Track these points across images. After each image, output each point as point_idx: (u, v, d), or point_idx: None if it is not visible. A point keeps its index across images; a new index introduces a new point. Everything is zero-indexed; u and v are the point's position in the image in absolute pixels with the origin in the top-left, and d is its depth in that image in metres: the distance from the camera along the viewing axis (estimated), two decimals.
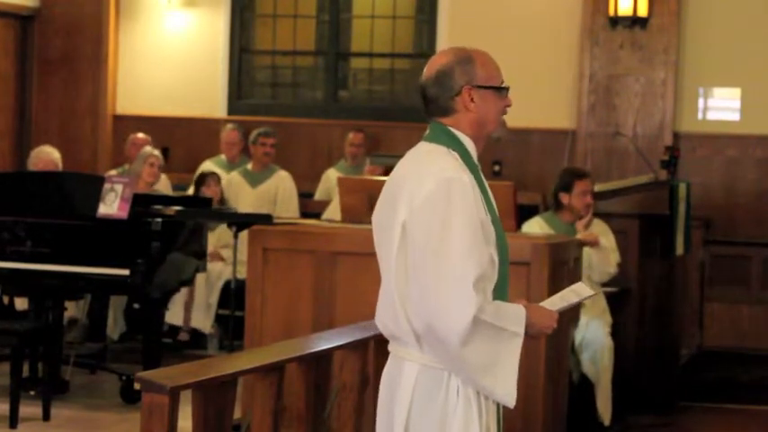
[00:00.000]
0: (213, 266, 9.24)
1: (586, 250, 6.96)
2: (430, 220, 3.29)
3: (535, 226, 7.28)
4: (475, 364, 3.29)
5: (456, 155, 3.39)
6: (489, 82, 3.45)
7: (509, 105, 3.49)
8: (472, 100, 3.43)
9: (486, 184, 3.45)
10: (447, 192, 3.30)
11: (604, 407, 7.12)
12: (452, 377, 3.35)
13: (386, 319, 3.43)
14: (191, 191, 9.87)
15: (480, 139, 3.46)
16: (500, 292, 3.38)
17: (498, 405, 3.43)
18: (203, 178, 9.62)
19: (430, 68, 3.47)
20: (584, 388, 7.06)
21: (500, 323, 3.30)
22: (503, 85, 3.48)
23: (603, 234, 7.27)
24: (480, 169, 3.47)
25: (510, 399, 3.35)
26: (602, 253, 7.13)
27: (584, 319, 7.06)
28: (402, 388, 3.40)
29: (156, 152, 9.36)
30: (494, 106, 3.45)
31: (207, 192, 9.41)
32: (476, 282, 3.24)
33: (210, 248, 9.01)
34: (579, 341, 7.09)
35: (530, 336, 3.42)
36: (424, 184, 3.32)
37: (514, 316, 3.34)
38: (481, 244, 3.29)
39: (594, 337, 7.10)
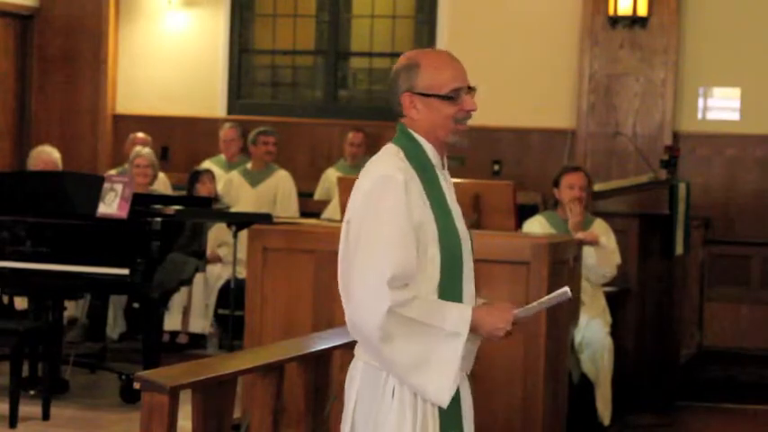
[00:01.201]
0: (212, 269, 9.23)
1: (586, 250, 6.96)
2: (360, 217, 3.35)
3: (536, 224, 7.29)
4: (402, 362, 3.30)
5: (402, 153, 3.41)
6: (431, 89, 3.42)
7: (468, 110, 3.44)
8: (415, 106, 3.44)
9: (443, 183, 3.45)
10: (377, 190, 3.33)
11: (604, 406, 7.12)
12: (390, 377, 3.36)
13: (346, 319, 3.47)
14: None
15: (435, 142, 3.45)
16: (451, 292, 3.38)
17: (451, 410, 3.38)
18: (197, 175, 9.59)
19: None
20: (583, 388, 7.05)
21: (432, 321, 3.30)
22: (450, 93, 3.42)
23: (605, 234, 7.27)
24: (440, 168, 3.47)
25: (442, 399, 3.33)
26: (602, 252, 7.12)
27: (583, 318, 7.06)
28: (351, 386, 3.45)
29: (146, 151, 9.34)
30: (439, 113, 3.42)
31: (202, 189, 9.39)
32: (392, 279, 3.25)
33: (209, 250, 9.03)
34: (579, 341, 7.08)
35: (484, 337, 3.40)
36: (362, 184, 3.38)
37: (455, 316, 3.32)
38: (407, 243, 3.29)
39: (594, 336, 7.10)
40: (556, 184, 7.30)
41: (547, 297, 3.46)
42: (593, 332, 7.11)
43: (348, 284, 3.35)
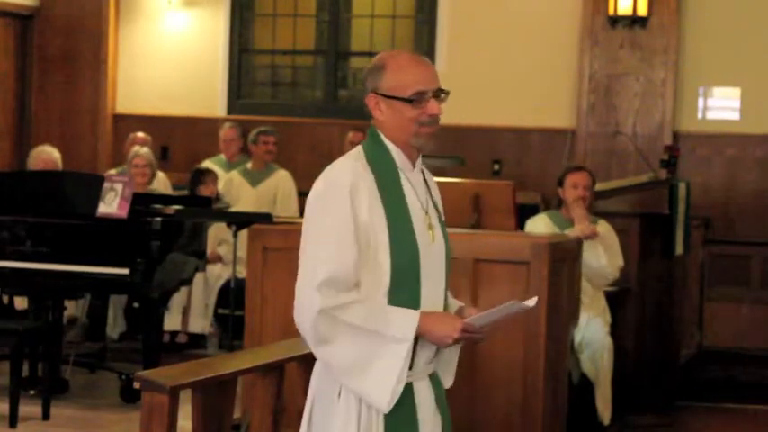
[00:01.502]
0: (211, 269, 9.23)
1: (589, 252, 6.96)
2: (306, 220, 3.39)
3: (539, 222, 7.29)
4: (340, 365, 3.32)
5: (363, 156, 3.42)
6: (394, 92, 3.40)
7: (431, 115, 3.40)
8: (379, 108, 3.44)
9: (405, 187, 3.42)
10: (322, 194, 3.36)
11: (604, 406, 7.11)
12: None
13: None
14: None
15: (401, 144, 3.44)
16: (405, 297, 3.36)
17: (401, 414, 3.37)
18: (200, 177, 9.59)
19: None
20: (583, 388, 7.05)
21: (374, 326, 3.30)
22: (413, 96, 3.39)
23: (608, 236, 7.26)
24: (408, 170, 3.44)
25: (381, 403, 3.32)
26: (597, 250, 7.10)
27: (583, 317, 7.05)
28: (310, 386, 3.49)
29: (144, 150, 9.35)
30: (402, 116, 3.41)
31: (204, 190, 9.40)
32: (325, 282, 3.27)
33: (209, 250, 9.03)
34: (579, 340, 7.08)
35: (433, 343, 3.39)
36: (314, 186, 3.41)
37: (399, 321, 3.31)
38: (344, 247, 3.30)
39: (594, 336, 7.10)
40: (560, 183, 7.30)
41: (501, 306, 3.39)
42: (593, 332, 7.11)
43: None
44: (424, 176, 3.53)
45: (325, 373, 3.41)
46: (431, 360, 3.46)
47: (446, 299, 3.52)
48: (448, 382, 3.59)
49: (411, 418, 3.40)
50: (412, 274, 3.37)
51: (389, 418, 3.35)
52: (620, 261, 7.25)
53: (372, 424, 3.35)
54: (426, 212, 3.45)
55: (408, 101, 3.39)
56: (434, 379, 3.51)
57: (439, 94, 3.43)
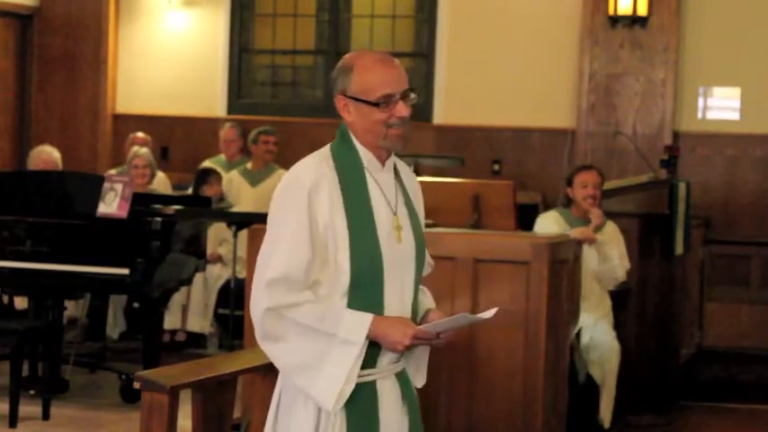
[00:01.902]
0: (211, 268, 9.23)
1: (590, 254, 6.97)
2: (268, 219, 3.40)
3: (550, 219, 7.28)
4: (287, 363, 3.34)
5: (330, 155, 3.41)
6: (361, 94, 3.38)
7: (399, 117, 3.38)
8: (347, 110, 3.42)
9: (372, 189, 3.40)
10: (281, 193, 3.37)
11: (606, 409, 7.11)
12: None
13: None
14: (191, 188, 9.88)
15: (369, 145, 3.42)
16: (366, 299, 3.35)
17: (362, 416, 3.37)
18: (205, 177, 9.60)
19: None
20: (586, 388, 7.05)
21: (325, 327, 3.30)
22: (380, 99, 3.37)
23: (615, 238, 7.26)
24: (377, 170, 3.43)
25: (327, 403, 3.31)
26: (601, 250, 7.11)
27: (590, 318, 7.05)
28: (276, 385, 3.51)
29: (143, 151, 9.35)
30: (369, 118, 3.39)
31: (209, 191, 9.40)
32: (274, 281, 3.29)
33: (209, 250, 9.03)
34: (587, 342, 7.07)
35: (385, 347, 3.38)
36: (278, 186, 3.42)
37: (351, 323, 3.31)
38: (297, 247, 3.30)
39: (602, 339, 7.09)
40: (569, 182, 7.30)
41: (455, 317, 3.39)
42: (601, 334, 7.10)
43: None
44: (398, 176, 3.51)
45: (281, 371, 3.43)
46: (397, 359, 3.44)
47: (415, 300, 3.50)
48: (419, 381, 3.57)
49: (373, 417, 3.40)
50: (374, 276, 3.36)
51: (351, 416, 3.35)
52: (626, 263, 7.26)
53: (332, 423, 3.35)
54: (395, 213, 3.43)
55: (375, 104, 3.37)
56: (402, 378, 3.49)
57: (407, 94, 3.41)
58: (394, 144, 3.41)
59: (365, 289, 3.35)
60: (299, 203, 3.31)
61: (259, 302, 3.32)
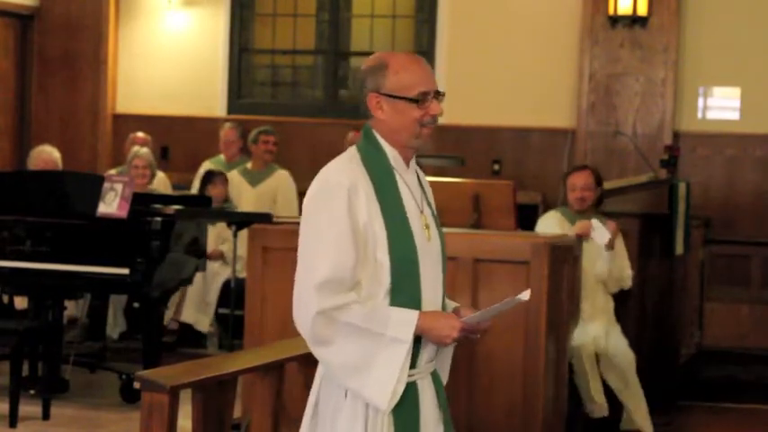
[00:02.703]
0: (211, 265, 9.22)
1: (599, 257, 6.97)
2: (304, 221, 3.39)
3: (551, 220, 7.27)
4: (339, 365, 3.33)
5: (359, 156, 3.42)
6: (398, 91, 3.40)
7: (432, 115, 3.42)
8: (381, 108, 3.43)
9: (401, 187, 3.43)
10: (319, 195, 3.36)
11: (643, 419, 7.09)
12: None
13: None
14: (194, 188, 9.88)
15: (398, 144, 3.44)
16: (406, 297, 3.37)
17: (407, 415, 3.38)
18: (210, 177, 9.61)
19: None
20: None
21: (373, 327, 3.30)
22: (417, 96, 3.40)
23: (617, 240, 7.24)
24: (403, 170, 3.45)
25: (381, 404, 3.33)
26: (617, 257, 7.12)
27: (600, 326, 7.04)
28: (313, 386, 3.49)
29: (143, 151, 9.35)
30: (404, 116, 3.41)
31: (213, 190, 9.41)
32: (323, 283, 3.28)
33: (211, 246, 9.03)
34: (601, 350, 7.04)
35: (432, 343, 3.40)
36: (310, 188, 3.41)
37: (398, 321, 3.32)
38: (342, 248, 3.30)
39: (618, 349, 7.07)
40: (564, 184, 7.31)
41: (497, 304, 3.42)
42: (616, 344, 7.08)
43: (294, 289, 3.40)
44: (417, 176, 3.54)
45: (329, 376, 3.41)
46: (432, 358, 3.47)
47: (444, 298, 3.53)
48: (444, 378, 3.59)
49: (416, 417, 3.41)
50: (412, 273, 3.38)
51: (396, 417, 3.36)
52: (628, 268, 7.25)
53: (379, 423, 3.36)
54: (422, 212, 3.46)
55: (414, 101, 3.40)
56: (435, 377, 3.52)
57: (438, 94, 3.44)
58: (425, 143, 3.45)
59: (404, 287, 3.36)
60: (340, 204, 3.31)
61: (308, 306, 3.30)
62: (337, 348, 3.31)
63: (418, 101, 3.40)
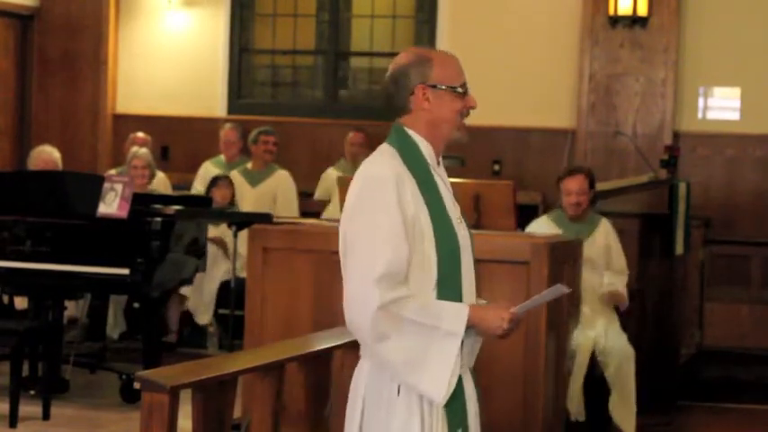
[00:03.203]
0: (211, 254, 9.14)
1: (594, 276, 7.00)
2: (352, 218, 3.38)
3: (543, 225, 7.27)
4: (397, 361, 3.32)
5: (395, 152, 3.43)
6: (445, 82, 3.46)
7: (471, 107, 3.49)
8: (427, 99, 3.45)
9: (437, 181, 3.46)
10: (368, 190, 3.36)
11: (628, 415, 7.08)
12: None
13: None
14: (194, 188, 9.88)
15: (436, 138, 3.47)
16: (450, 289, 3.39)
17: (457, 408, 3.41)
18: (216, 181, 9.64)
19: (390, 68, 3.52)
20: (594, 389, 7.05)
21: (428, 321, 3.31)
22: (460, 87, 3.47)
23: (609, 234, 7.24)
24: (434, 166, 3.48)
25: (438, 397, 3.34)
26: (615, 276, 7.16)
27: (600, 325, 7.04)
28: (358, 385, 3.46)
29: (142, 151, 9.36)
30: (449, 107, 3.46)
31: (216, 193, 9.41)
32: (382, 278, 3.27)
33: (215, 233, 9.03)
34: (601, 349, 7.05)
35: (483, 335, 3.43)
36: (354, 185, 3.40)
37: (451, 315, 3.34)
38: (397, 241, 3.30)
39: (616, 345, 7.07)
40: (558, 188, 7.29)
41: (542, 293, 3.49)
42: (615, 340, 7.09)
43: (345, 286, 3.38)
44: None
45: (378, 372, 3.40)
46: (470, 351, 3.48)
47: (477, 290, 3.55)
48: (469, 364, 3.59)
49: (464, 409, 3.44)
50: (455, 267, 3.41)
51: (448, 411, 3.38)
52: (624, 263, 7.24)
53: (433, 418, 3.37)
54: (454, 206, 3.50)
55: (461, 92, 3.45)
56: (471, 370, 3.54)
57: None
58: (462, 135, 3.49)
59: (449, 281, 3.39)
60: (390, 198, 3.32)
61: (369, 302, 3.28)
62: (395, 343, 3.30)
63: (464, 92, 3.45)
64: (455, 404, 3.40)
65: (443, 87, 3.45)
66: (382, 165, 3.39)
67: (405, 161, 3.41)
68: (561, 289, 3.45)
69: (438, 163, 3.51)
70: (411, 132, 3.47)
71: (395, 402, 3.37)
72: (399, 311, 3.29)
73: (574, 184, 7.17)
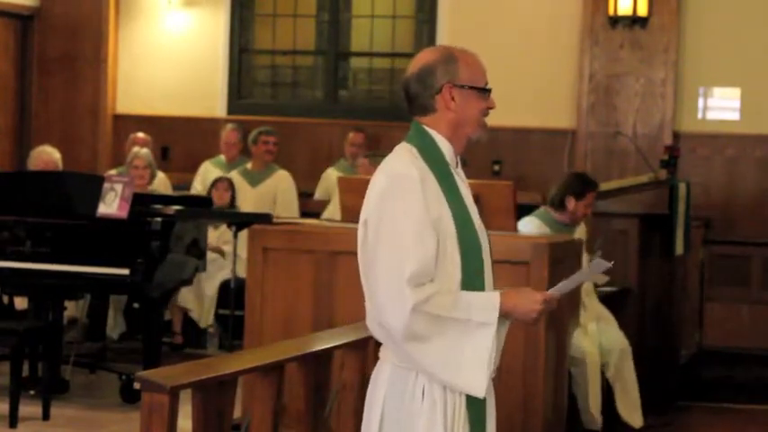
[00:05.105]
0: (213, 258, 9.17)
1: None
2: (376, 217, 3.34)
3: (531, 225, 7.25)
4: (434, 360, 3.30)
5: (416, 151, 3.40)
6: (472, 82, 3.45)
7: (491, 107, 3.51)
8: (453, 99, 3.43)
9: (458, 181, 3.44)
10: (392, 188, 3.33)
11: (633, 409, 7.09)
12: (419, 377, 3.35)
13: (366, 321, 3.45)
14: (194, 188, 9.88)
15: (459, 138, 3.46)
16: (474, 286, 3.37)
17: (477, 407, 3.39)
18: (216, 183, 9.64)
19: (414, 66, 3.47)
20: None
21: (459, 315, 3.29)
22: (485, 87, 3.48)
23: (582, 234, 7.24)
24: (454, 167, 3.46)
25: (479, 391, 3.33)
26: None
27: (591, 326, 7.04)
28: (377, 388, 3.43)
29: (143, 152, 9.37)
30: (474, 107, 3.47)
31: (215, 194, 9.42)
32: (412, 277, 3.25)
33: (212, 245, 9.02)
34: (598, 348, 7.05)
35: (518, 320, 3.41)
36: (377, 183, 3.37)
37: (482, 305, 3.32)
38: (424, 239, 3.28)
39: (614, 342, 7.08)
40: (578, 196, 7.14)
41: (582, 271, 3.46)
42: (612, 337, 7.09)
43: (371, 285, 3.34)
44: None
45: (400, 375, 3.37)
46: (498, 350, 3.45)
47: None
48: (497, 362, 3.55)
49: (483, 410, 3.43)
50: (478, 264, 3.40)
51: (470, 409, 3.37)
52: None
53: (458, 419, 3.35)
54: (473, 207, 3.49)
55: (486, 92, 3.47)
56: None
57: None
58: (483, 134, 3.50)
59: (471, 278, 3.37)
60: (415, 197, 3.30)
61: (403, 302, 3.24)
62: (429, 342, 3.27)
63: (488, 92, 3.47)
64: (478, 403, 3.38)
65: (470, 87, 3.44)
66: (405, 163, 3.36)
67: (426, 161, 3.39)
68: (603, 264, 3.39)
69: (457, 164, 3.48)
70: (432, 132, 3.44)
71: (418, 404, 3.34)
72: (431, 310, 3.26)
73: (593, 198, 7.15)
